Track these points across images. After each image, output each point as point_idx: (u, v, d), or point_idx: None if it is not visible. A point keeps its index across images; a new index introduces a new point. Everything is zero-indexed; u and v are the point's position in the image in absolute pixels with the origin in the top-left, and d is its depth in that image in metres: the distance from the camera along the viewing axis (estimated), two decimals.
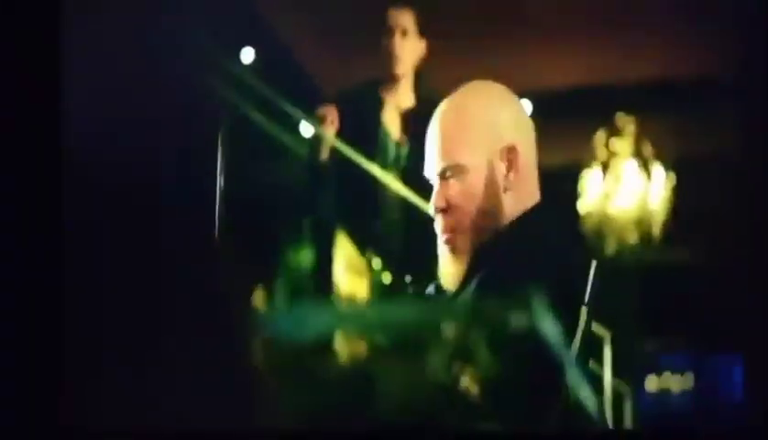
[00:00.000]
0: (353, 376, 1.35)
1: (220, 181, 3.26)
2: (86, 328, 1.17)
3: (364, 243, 3.31)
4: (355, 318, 1.68)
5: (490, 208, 1.71)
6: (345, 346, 1.45)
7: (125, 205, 1.26)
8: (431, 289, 1.87)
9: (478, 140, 1.72)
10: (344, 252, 3.14)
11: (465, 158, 1.71)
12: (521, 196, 1.73)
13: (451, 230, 1.73)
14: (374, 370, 1.33)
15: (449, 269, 1.74)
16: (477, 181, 1.71)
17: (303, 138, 3.65)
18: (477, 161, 1.71)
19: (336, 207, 3.45)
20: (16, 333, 1.22)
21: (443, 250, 1.75)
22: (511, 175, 1.70)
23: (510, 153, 1.71)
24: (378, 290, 3.24)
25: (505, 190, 1.70)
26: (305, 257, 2.96)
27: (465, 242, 1.72)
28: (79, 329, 1.17)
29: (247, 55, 5.29)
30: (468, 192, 1.71)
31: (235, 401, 1.22)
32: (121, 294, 1.18)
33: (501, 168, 1.71)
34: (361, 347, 1.49)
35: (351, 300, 3.13)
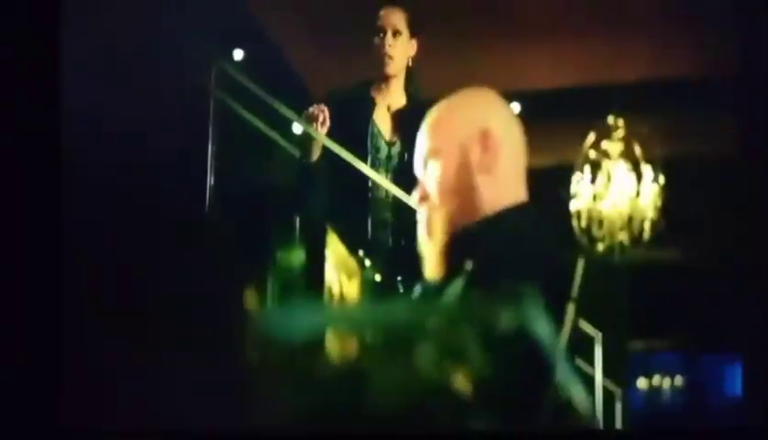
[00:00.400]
0: (344, 375, 1.36)
1: (210, 180, 3.26)
2: (86, 328, 1.17)
3: (355, 243, 3.31)
4: (346, 318, 1.68)
5: (464, 189, 1.73)
6: (336, 346, 1.46)
7: (121, 206, 1.27)
8: (418, 288, 1.88)
9: (455, 127, 1.75)
10: (335, 252, 3.14)
11: (439, 142, 1.75)
12: (500, 185, 1.74)
13: (428, 214, 1.76)
14: (365, 369, 1.34)
15: (428, 256, 1.76)
16: (450, 162, 1.74)
17: (295, 138, 3.65)
18: (452, 145, 1.74)
19: (327, 207, 3.45)
20: (16, 333, 1.22)
21: (422, 237, 1.77)
22: (486, 157, 1.72)
23: (485, 137, 1.73)
24: (369, 289, 3.25)
25: (480, 172, 1.73)
26: (296, 256, 2.96)
27: (439, 224, 1.74)
28: (79, 329, 1.17)
29: (239, 55, 5.29)
30: (442, 174, 1.74)
31: (230, 400, 1.23)
32: (119, 295, 1.19)
33: (476, 150, 1.73)
34: (352, 347, 1.49)
35: (342, 299, 3.13)
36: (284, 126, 3.69)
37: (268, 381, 1.30)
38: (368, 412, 1.27)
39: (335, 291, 3.11)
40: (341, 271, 3.16)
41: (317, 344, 1.38)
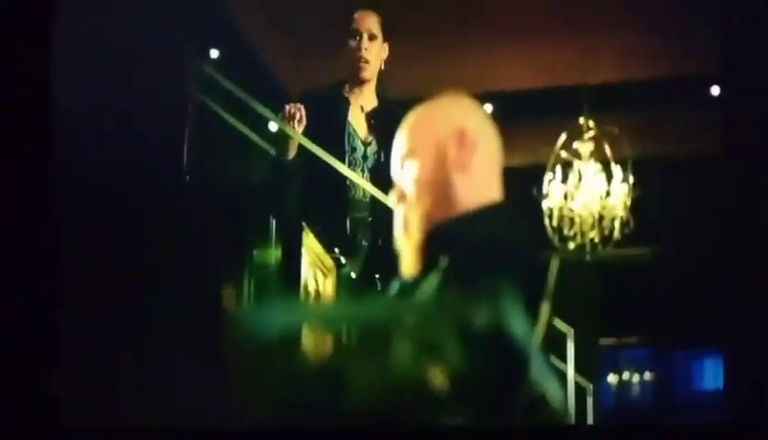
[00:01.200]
0: (320, 372, 1.37)
1: (186, 179, 3.28)
2: (85, 329, 1.19)
3: (331, 241, 3.33)
4: (322, 315, 1.71)
5: (440, 185, 1.75)
6: (312, 344, 1.48)
7: (113, 208, 1.29)
8: (394, 285, 1.90)
9: (432, 128, 1.79)
10: (311, 250, 3.17)
11: (416, 142, 1.78)
12: (475, 183, 1.77)
13: (404, 211, 1.78)
14: (341, 367, 1.35)
15: (404, 252, 1.78)
16: (426, 159, 1.77)
17: (271, 137, 3.66)
18: (428, 144, 1.77)
19: (303, 205, 3.47)
20: (16, 333, 1.23)
21: (398, 234, 1.80)
22: (462, 154, 1.76)
23: (461, 135, 1.77)
24: (345, 287, 3.27)
25: (455, 169, 1.76)
26: (272, 255, 2.98)
27: (415, 220, 1.76)
28: (77, 330, 1.19)
29: (215, 55, 5.30)
30: (419, 171, 1.77)
31: (223, 399, 1.25)
32: (118, 297, 1.21)
33: (452, 148, 1.77)
34: (328, 344, 1.52)
35: (318, 297, 3.15)
36: (261, 125, 3.70)
37: (245, 379, 1.32)
38: (345, 408, 1.29)
39: (311, 288, 3.13)
40: (317, 269, 3.19)
41: (293, 341, 1.40)
